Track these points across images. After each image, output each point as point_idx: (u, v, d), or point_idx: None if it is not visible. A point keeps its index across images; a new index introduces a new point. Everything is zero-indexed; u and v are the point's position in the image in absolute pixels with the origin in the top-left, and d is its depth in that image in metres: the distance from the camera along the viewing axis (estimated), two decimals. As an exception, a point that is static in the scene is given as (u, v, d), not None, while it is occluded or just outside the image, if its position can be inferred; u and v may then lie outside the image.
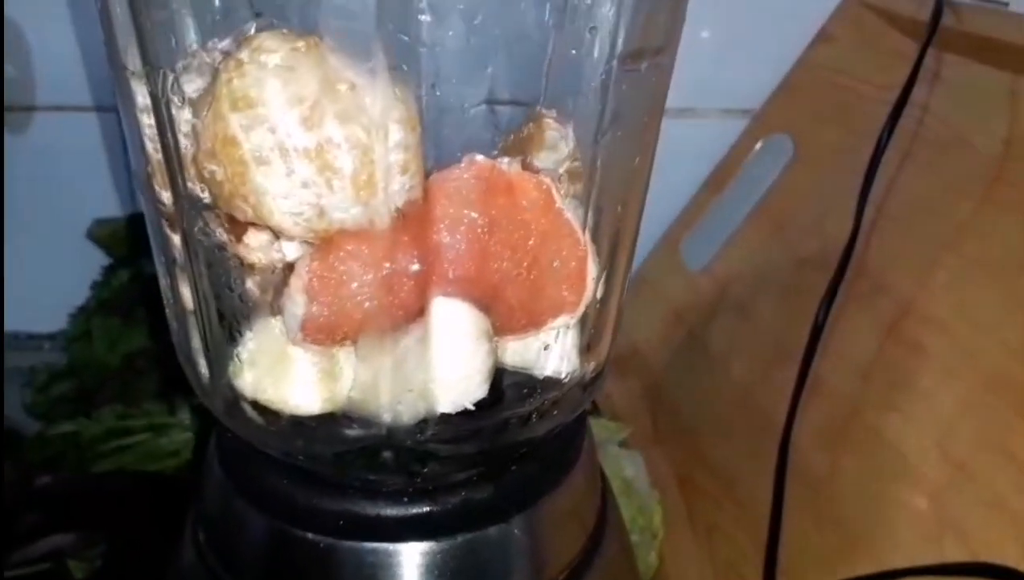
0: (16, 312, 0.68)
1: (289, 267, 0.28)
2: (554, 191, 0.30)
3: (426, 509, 0.32)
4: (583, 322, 0.32)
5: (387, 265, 0.28)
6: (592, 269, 0.31)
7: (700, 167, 0.74)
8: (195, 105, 0.27)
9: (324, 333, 0.28)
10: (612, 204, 0.32)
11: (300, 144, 0.26)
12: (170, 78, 0.27)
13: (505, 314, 0.30)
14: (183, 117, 0.27)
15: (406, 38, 0.26)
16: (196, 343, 0.32)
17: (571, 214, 0.30)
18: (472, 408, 0.30)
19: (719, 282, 0.67)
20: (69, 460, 0.60)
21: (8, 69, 0.67)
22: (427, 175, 0.28)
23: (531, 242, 0.29)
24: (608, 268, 0.32)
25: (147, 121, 0.28)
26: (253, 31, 0.27)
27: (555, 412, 0.33)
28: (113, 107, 0.69)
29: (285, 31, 0.26)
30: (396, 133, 0.26)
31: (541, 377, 0.32)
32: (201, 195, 0.28)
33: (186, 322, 0.32)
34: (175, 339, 0.34)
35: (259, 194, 0.26)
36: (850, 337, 0.52)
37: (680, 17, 0.31)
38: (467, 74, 0.29)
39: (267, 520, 0.32)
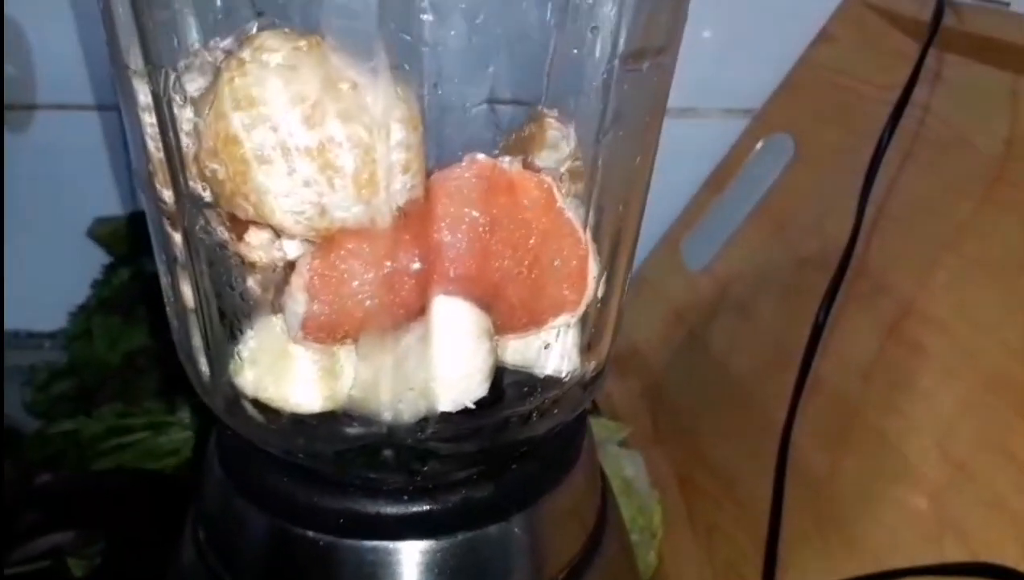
0: (17, 310, 0.68)
1: (290, 265, 0.28)
2: (555, 190, 0.30)
3: (426, 507, 0.32)
4: (584, 321, 0.32)
5: (388, 264, 0.28)
6: (593, 268, 0.31)
7: (701, 167, 0.74)
8: (197, 104, 0.27)
9: (325, 331, 0.28)
10: (613, 203, 0.32)
11: (302, 143, 0.26)
12: (172, 77, 0.27)
13: (506, 313, 0.30)
14: (185, 116, 0.27)
15: (408, 37, 0.26)
16: (197, 341, 0.32)
17: (572, 213, 0.30)
18: (473, 407, 0.30)
19: (719, 282, 0.67)
20: (69, 458, 0.60)
21: (9, 68, 0.67)
22: (428, 174, 0.28)
23: (532, 241, 0.29)
24: (609, 267, 0.33)
25: (149, 120, 0.28)
26: (255, 30, 0.27)
27: (555, 411, 0.33)
28: (114, 106, 0.69)
29: (287, 30, 0.26)
30: (398, 132, 0.26)
31: (542, 376, 0.32)
32: (202, 194, 0.28)
33: (187, 320, 0.32)
34: (176, 337, 0.34)
35: (260, 193, 0.26)
36: (850, 337, 0.52)
37: (682, 17, 0.31)
38: (469, 73, 0.29)
39: (267, 518, 0.32)
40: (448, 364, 0.29)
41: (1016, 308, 0.45)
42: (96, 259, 0.70)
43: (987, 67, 0.55)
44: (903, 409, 0.47)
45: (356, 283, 0.28)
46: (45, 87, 0.69)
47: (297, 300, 0.28)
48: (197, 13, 0.28)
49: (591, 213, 0.31)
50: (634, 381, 0.68)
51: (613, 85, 0.29)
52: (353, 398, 0.30)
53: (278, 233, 0.28)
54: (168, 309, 0.33)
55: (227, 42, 0.27)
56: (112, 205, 0.72)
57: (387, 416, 0.30)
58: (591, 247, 0.31)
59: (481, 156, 0.29)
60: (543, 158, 0.32)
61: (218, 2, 0.28)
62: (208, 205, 0.28)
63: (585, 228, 0.30)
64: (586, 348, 0.33)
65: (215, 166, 0.26)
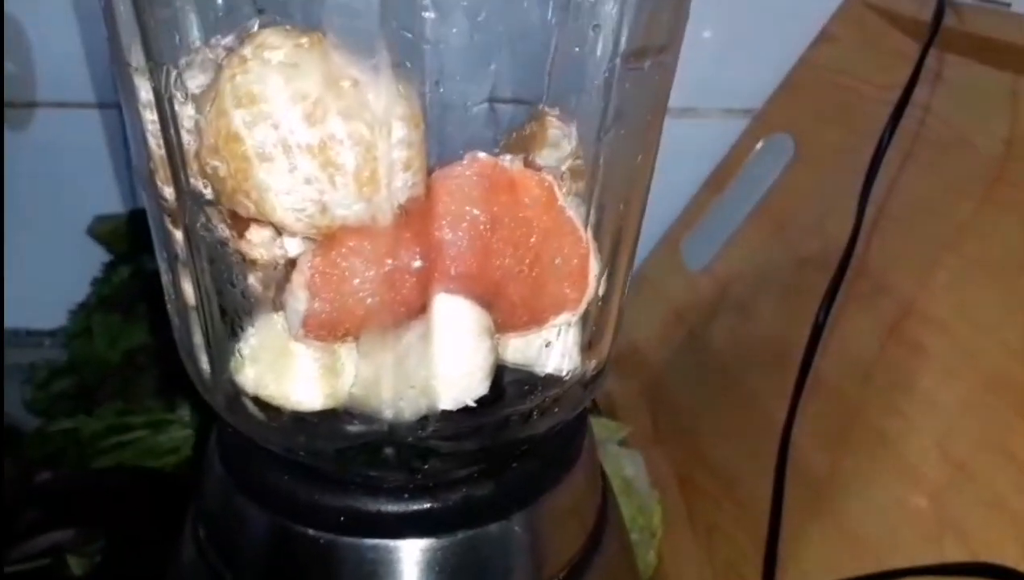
0: (17, 309, 0.68)
1: (291, 263, 0.28)
2: (556, 189, 0.30)
3: (427, 506, 0.32)
4: (584, 320, 0.32)
5: (389, 261, 0.28)
6: (594, 267, 0.31)
7: (701, 167, 0.74)
8: (198, 101, 0.27)
9: (326, 329, 0.28)
10: (614, 202, 0.32)
11: (303, 140, 0.26)
12: (173, 74, 0.27)
13: (507, 311, 0.30)
14: (186, 113, 0.27)
15: (410, 35, 0.26)
16: (198, 339, 0.32)
17: (573, 212, 0.30)
18: (473, 405, 0.30)
19: (719, 282, 0.67)
20: (69, 456, 0.60)
21: (9, 65, 0.67)
22: (429, 172, 0.28)
23: (533, 239, 0.29)
24: (610, 266, 0.33)
25: (150, 117, 0.28)
26: (256, 28, 0.27)
27: (556, 410, 0.33)
28: (114, 103, 0.69)
29: (288, 27, 0.26)
30: (399, 130, 0.26)
31: (542, 374, 0.32)
32: (203, 191, 0.28)
33: (188, 318, 0.32)
34: (177, 335, 0.34)
35: (262, 190, 0.26)
36: (850, 337, 0.52)
37: (683, 15, 0.31)
38: (470, 71, 0.29)
39: (268, 516, 0.32)
40: (449, 362, 0.29)
41: (1016, 308, 0.45)
42: (96, 257, 0.70)
43: (987, 67, 0.55)
44: (903, 409, 0.47)
45: (357, 281, 0.28)
46: (45, 85, 0.69)
47: (298, 298, 0.28)
48: (198, 10, 0.28)
49: (592, 211, 0.31)
50: (634, 381, 0.68)
51: (615, 83, 0.29)
52: (354, 396, 0.30)
53: (279, 230, 0.28)
54: (169, 307, 0.33)
55: (228, 39, 0.27)
56: (112, 203, 0.72)
57: (388, 414, 0.30)
58: (592, 246, 0.31)
59: (482, 154, 0.29)
60: (544, 156, 0.32)
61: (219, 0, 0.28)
62: (209, 202, 0.28)
63: (586, 226, 0.30)
64: (587, 347, 0.33)
65: (216, 163, 0.26)
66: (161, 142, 0.28)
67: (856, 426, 0.49)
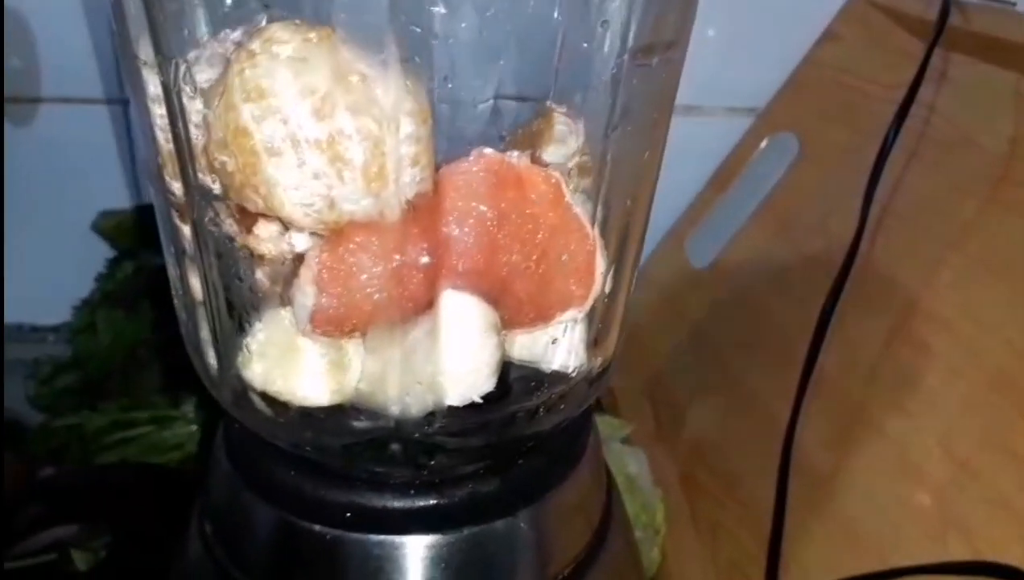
0: (21, 304, 0.68)
1: (299, 258, 0.28)
2: (563, 185, 0.30)
3: (433, 502, 0.32)
4: (591, 317, 0.32)
5: (397, 257, 0.28)
6: (601, 263, 0.31)
7: (705, 165, 0.74)
8: (206, 95, 0.27)
9: (333, 325, 0.28)
10: (621, 199, 0.32)
11: (311, 135, 0.26)
12: (182, 68, 0.27)
13: (513, 307, 0.30)
14: (195, 107, 0.27)
15: (419, 30, 0.26)
16: (205, 334, 0.32)
17: (580, 208, 0.30)
18: (480, 401, 0.30)
19: (723, 280, 0.67)
20: (73, 452, 0.60)
21: (14, 60, 0.67)
22: (437, 168, 0.28)
23: (540, 236, 0.29)
24: (616, 263, 0.33)
25: (158, 111, 0.28)
26: (265, 22, 0.27)
27: (562, 406, 0.33)
28: (118, 99, 0.70)
29: (297, 22, 0.26)
30: (407, 125, 0.26)
31: (548, 371, 0.32)
32: (212, 186, 0.28)
33: (195, 313, 0.32)
34: (184, 330, 0.34)
35: (270, 185, 0.26)
36: (854, 336, 0.52)
37: (691, 12, 0.31)
38: (479, 67, 0.29)
39: (274, 512, 0.32)
40: (456, 358, 0.29)
41: (1020, 307, 0.45)
42: (100, 253, 0.71)
43: (992, 67, 0.55)
44: (907, 408, 0.47)
45: (365, 276, 0.28)
46: (50, 80, 0.69)
47: (306, 293, 0.28)
48: (207, 4, 0.28)
49: (599, 208, 0.31)
50: (637, 378, 0.69)
51: (622, 80, 0.29)
52: (361, 392, 0.30)
53: (287, 226, 0.28)
54: (176, 302, 0.33)
55: (237, 34, 0.27)
56: (116, 199, 0.72)
57: (394, 410, 0.30)
58: (599, 242, 0.31)
59: (489, 150, 0.29)
60: (551, 153, 0.32)
61: (228, -5, 0.29)
62: (217, 197, 0.28)
63: (593, 223, 0.30)
64: (593, 343, 0.33)
65: (224, 158, 0.26)
66: (169, 137, 0.28)
67: (860, 424, 0.49)
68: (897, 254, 0.53)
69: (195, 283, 0.31)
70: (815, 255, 0.59)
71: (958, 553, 0.41)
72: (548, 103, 0.31)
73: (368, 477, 0.32)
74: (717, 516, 0.55)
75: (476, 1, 0.27)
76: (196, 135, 0.27)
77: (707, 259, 0.70)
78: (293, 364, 0.29)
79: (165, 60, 0.27)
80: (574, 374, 0.33)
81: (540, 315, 0.31)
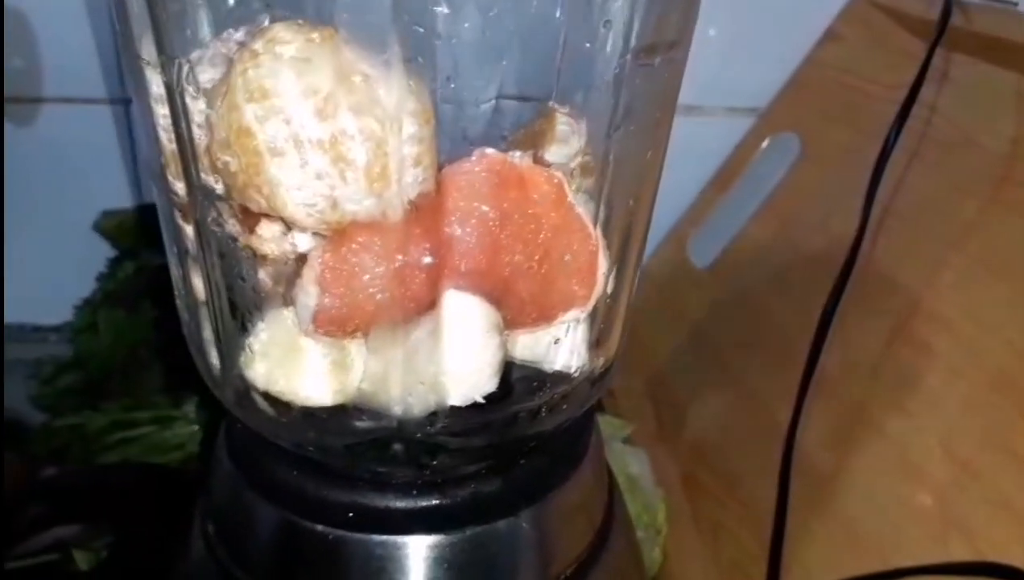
0: (22, 304, 0.68)
1: (301, 258, 0.28)
2: (565, 185, 0.30)
3: (435, 502, 0.32)
4: (593, 317, 0.32)
5: (399, 257, 0.28)
6: (603, 264, 0.31)
7: (707, 165, 0.74)
8: (209, 95, 0.27)
9: (336, 325, 0.28)
10: (624, 199, 0.32)
11: (314, 135, 0.26)
12: (185, 68, 0.27)
13: (516, 308, 0.30)
14: (197, 107, 0.27)
15: (422, 30, 0.26)
16: (208, 334, 0.32)
17: (582, 208, 0.30)
18: (482, 401, 0.30)
19: (725, 280, 0.67)
20: (74, 452, 0.60)
21: (16, 60, 0.67)
22: (439, 168, 0.28)
23: (542, 236, 0.29)
24: (619, 263, 0.33)
25: (161, 111, 0.28)
26: (267, 22, 0.27)
27: (564, 406, 0.33)
28: (120, 99, 0.70)
29: (300, 22, 0.26)
30: (410, 126, 0.26)
31: (550, 371, 0.32)
32: (214, 186, 0.28)
33: (198, 313, 0.32)
34: (186, 330, 0.34)
35: (273, 185, 0.26)
36: (856, 336, 0.52)
37: (694, 11, 0.31)
38: (481, 67, 0.29)
39: (276, 512, 0.32)
40: (458, 358, 0.29)
41: (1022, 307, 0.45)
42: (102, 253, 0.70)
43: (994, 67, 0.55)
44: (908, 408, 0.47)
45: (367, 277, 0.28)
46: (51, 80, 0.69)
47: (308, 293, 0.28)
48: (209, 4, 0.28)
49: (601, 208, 0.31)
50: (638, 378, 0.69)
51: (625, 80, 0.29)
52: (363, 392, 0.30)
53: (290, 226, 0.28)
54: (179, 302, 0.33)
55: (240, 34, 0.27)
56: (118, 199, 0.72)
57: (397, 410, 0.30)
58: (601, 242, 0.31)
59: (491, 151, 0.29)
60: (553, 153, 0.32)
61: (230, -3, 0.29)
62: (220, 197, 0.28)
63: (595, 223, 0.30)
64: (595, 344, 0.33)
65: (227, 158, 0.26)
66: (172, 137, 0.28)
67: (861, 425, 0.49)
68: (898, 254, 0.53)
69: (198, 283, 0.31)
70: (816, 255, 0.59)
71: (959, 554, 0.41)
72: (550, 103, 0.31)
73: (370, 477, 0.32)
74: (719, 516, 0.55)
75: (479, 1, 0.27)
76: (199, 135, 0.27)
77: (708, 259, 0.70)
78: (296, 364, 0.29)
79: (168, 60, 0.27)
80: (576, 374, 0.33)
81: (542, 315, 0.31)
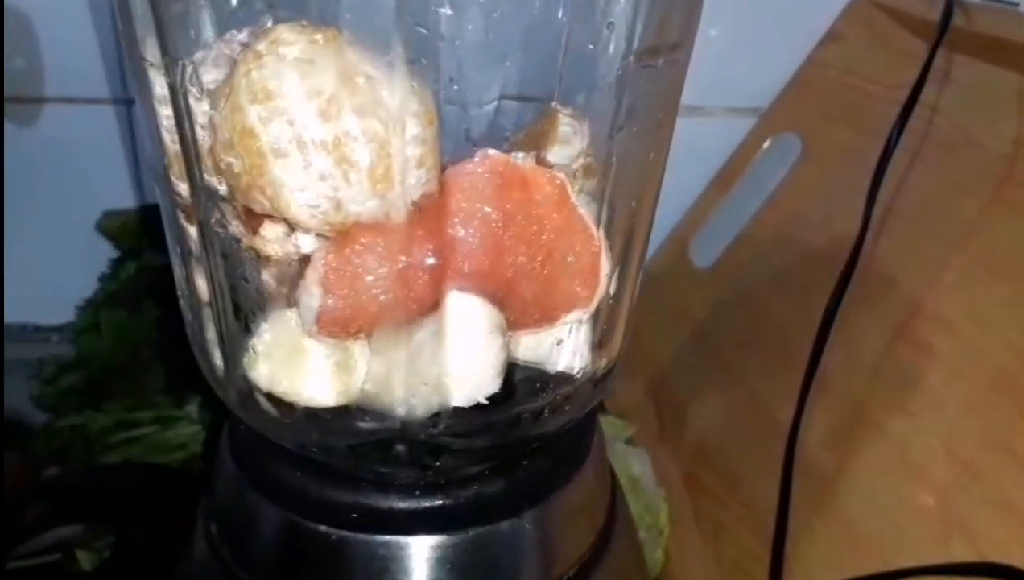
0: (24, 304, 0.68)
1: (305, 259, 0.28)
2: (568, 186, 0.30)
3: (438, 503, 0.32)
4: (595, 318, 0.32)
5: (402, 258, 0.28)
6: (605, 265, 0.31)
7: (708, 165, 0.74)
8: (213, 96, 0.27)
9: (339, 326, 0.28)
10: (626, 200, 0.32)
11: (318, 137, 0.26)
12: (188, 69, 0.27)
13: (519, 309, 0.30)
14: (201, 108, 0.27)
15: (425, 31, 0.26)
16: (211, 335, 0.32)
17: (585, 209, 0.30)
18: (485, 402, 0.30)
19: (726, 280, 0.67)
20: (76, 452, 0.60)
21: (18, 60, 0.67)
22: (442, 169, 0.28)
23: (545, 237, 0.29)
24: (621, 264, 0.33)
25: (165, 112, 0.28)
26: (271, 23, 0.27)
27: (566, 407, 0.33)
28: (122, 99, 0.69)
29: (304, 23, 0.26)
30: (413, 127, 0.26)
31: (553, 372, 0.32)
32: (218, 187, 0.28)
33: (201, 314, 0.32)
34: (189, 331, 0.34)
35: (276, 186, 0.26)
36: (857, 336, 0.52)
37: (696, 13, 0.31)
38: (484, 68, 0.29)
39: (280, 512, 0.32)
40: (461, 359, 0.29)
41: (1022, 307, 0.45)
42: (104, 253, 0.70)
43: (996, 67, 0.55)
44: (910, 408, 0.47)
45: (370, 277, 0.28)
46: (53, 80, 0.69)
47: (312, 294, 0.28)
48: (213, 5, 0.28)
49: (604, 209, 0.31)
50: (640, 379, 0.69)
51: (627, 81, 0.29)
52: (366, 392, 0.30)
53: (293, 227, 0.28)
54: (182, 302, 0.34)
55: (243, 35, 0.27)
56: (120, 199, 0.72)
57: (400, 411, 0.30)
58: (604, 243, 0.31)
59: (494, 152, 0.29)
60: (556, 154, 0.32)
61: (233, -1, 0.29)
62: (223, 198, 0.28)
63: (598, 224, 0.30)
64: (598, 345, 0.33)
65: (231, 159, 0.26)
66: (176, 138, 0.28)
67: (862, 425, 0.49)
68: (900, 254, 0.53)
69: (201, 284, 0.31)
70: (818, 255, 0.59)
71: (961, 554, 0.41)
72: (553, 104, 0.31)
73: (374, 478, 0.32)
74: (720, 516, 0.55)
75: (482, 3, 0.27)
76: (202, 136, 0.27)
77: (710, 259, 0.70)
78: (299, 365, 0.29)
79: (171, 61, 0.27)
80: (579, 375, 0.33)
81: (545, 316, 0.31)
